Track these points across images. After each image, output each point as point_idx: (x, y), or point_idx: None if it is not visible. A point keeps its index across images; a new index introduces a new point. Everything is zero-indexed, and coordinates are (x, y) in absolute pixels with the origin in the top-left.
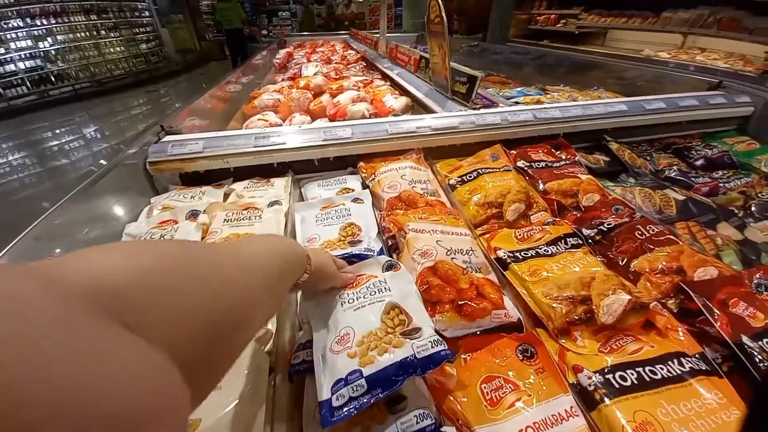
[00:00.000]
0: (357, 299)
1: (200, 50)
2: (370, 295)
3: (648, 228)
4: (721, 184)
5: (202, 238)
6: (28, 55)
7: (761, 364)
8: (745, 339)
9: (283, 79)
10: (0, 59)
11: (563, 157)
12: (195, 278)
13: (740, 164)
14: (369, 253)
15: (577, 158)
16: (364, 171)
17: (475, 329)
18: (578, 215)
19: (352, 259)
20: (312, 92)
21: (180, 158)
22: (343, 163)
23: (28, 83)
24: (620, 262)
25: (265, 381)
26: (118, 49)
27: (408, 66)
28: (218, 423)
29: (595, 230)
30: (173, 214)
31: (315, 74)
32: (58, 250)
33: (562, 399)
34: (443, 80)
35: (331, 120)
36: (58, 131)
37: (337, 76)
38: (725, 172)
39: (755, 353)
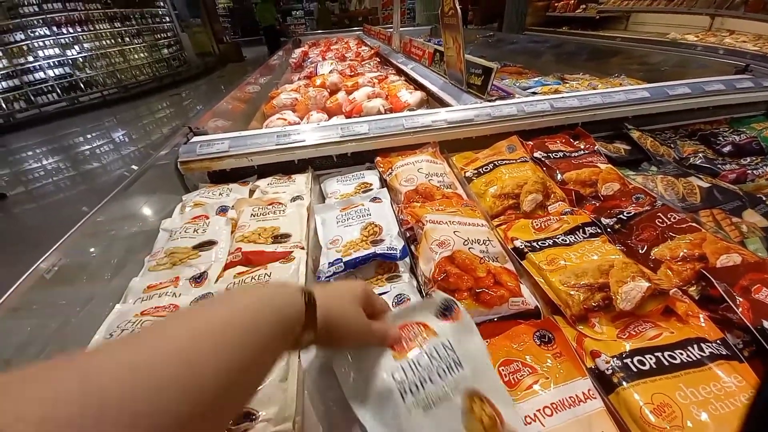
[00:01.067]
0: (420, 386)
1: (218, 53)
2: (438, 374)
3: (669, 216)
4: (750, 171)
5: (232, 232)
6: (56, 62)
7: None
8: (767, 324)
9: (299, 78)
10: (30, 67)
11: (582, 146)
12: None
13: None
14: (392, 251)
15: (596, 147)
16: (382, 165)
17: (493, 316)
18: (597, 205)
19: (376, 258)
20: (328, 90)
21: (209, 157)
22: (361, 159)
23: (58, 90)
24: (640, 251)
25: (295, 362)
26: (141, 55)
27: (422, 60)
28: (257, 396)
29: (615, 219)
30: (204, 210)
31: (330, 72)
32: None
33: (579, 382)
34: (458, 73)
35: (348, 117)
36: (89, 136)
37: (352, 73)
38: (753, 158)
39: None
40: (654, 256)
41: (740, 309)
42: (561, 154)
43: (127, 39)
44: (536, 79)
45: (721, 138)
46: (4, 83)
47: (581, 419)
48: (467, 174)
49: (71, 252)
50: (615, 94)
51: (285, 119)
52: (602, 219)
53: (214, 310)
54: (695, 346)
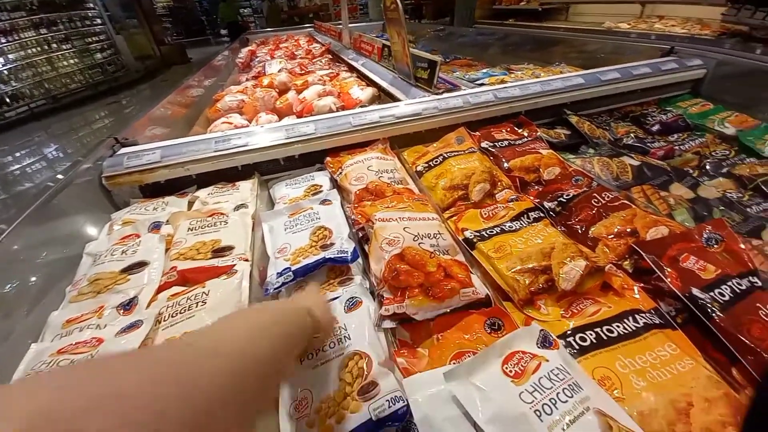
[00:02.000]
0: (553, 406)
1: (160, 56)
2: (565, 394)
3: (603, 195)
4: (677, 147)
5: (167, 250)
6: None
7: (713, 314)
8: (695, 291)
9: (247, 79)
10: None
11: (525, 134)
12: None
13: (695, 126)
14: (342, 255)
15: (538, 134)
16: (331, 166)
17: (445, 309)
18: (540, 189)
19: (326, 263)
20: (277, 90)
21: (138, 170)
22: (310, 160)
23: None
24: (579, 230)
25: None
26: (71, 61)
27: (372, 55)
28: None
29: (556, 202)
30: (135, 228)
31: (279, 71)
32: (12, 278)
33: None
34: (405, 67)
35: (299, 117)
36: (18, 154)
37: (302, 72)
38: (680, 134)
39: (706, 303)
40: (592, 235)
41: (669, 279)
42: (506, 142)
43: (55, 45)
44: (484, 70)
45: (650, 118)
46: None
47: None
48: (418, 168)
49: None
50: (553, 81)
51: (231, 123)
52: (545, 203)
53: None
54: (630, 318)
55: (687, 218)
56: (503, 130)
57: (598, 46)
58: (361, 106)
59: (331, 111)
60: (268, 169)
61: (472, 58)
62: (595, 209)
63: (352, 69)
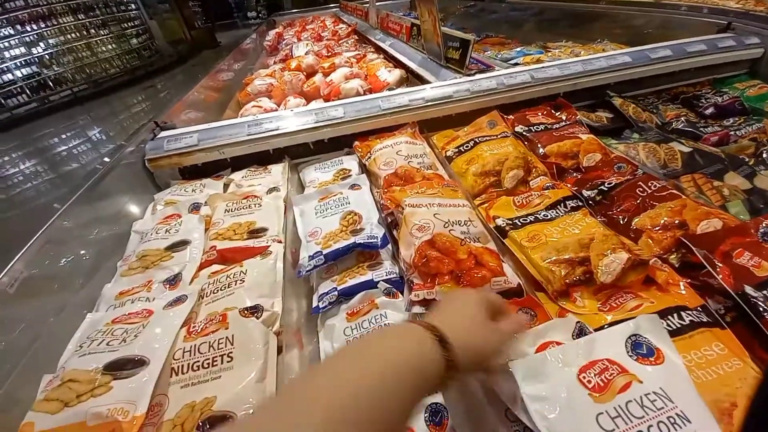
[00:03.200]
0: None
1: (191, 40)
2: (659, 429)
3: (650, 184)
4: (732, 132)
5: (206, 230)
6: (23, 62)
7: (765, 313)
8: (748, 289)
9: (275, 62)
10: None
11: (563, 117)
12: None
13: (752, 109)
14: (372, 240)
15: (577, 118)
16: (360, 150)
17: None
18: (579, 177)
19: (356, 248)
20: (305, 73)
21: (177, 153)
22: (339, 144)
23: (27, 91)
24: (621, 221)
25: (274, 358)
26: (109, 47)
27: (400, 35)
28: (233, 398)
29: (596, 191)
30: (176, 209)
31: (306, 54)
32: (65, 254)
33: None
34: (436, 47)
35: (326, 100)
36: (63, 136)
37: (329, 54)
38: (736, 119)
39: (759, 302)
40: (635, 226)
41: (720, 275)
42: (542, 126)
43: (93, 31)
44: (518, 49)
45: (703, 100)
46: None
47: None
48: (448, 153)
49: (37, 261)
50: (596, 60)
51: (261, 107)
52: (583, 191)
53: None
54: (675, 315)
55: (741, 210)
56: (539, 114)
57: (644, 21)
58: (389, 89)
59: (358, 94)
60: (298, 153)
61: (504, 36)
62: (640, 199)
63: (379, 50)
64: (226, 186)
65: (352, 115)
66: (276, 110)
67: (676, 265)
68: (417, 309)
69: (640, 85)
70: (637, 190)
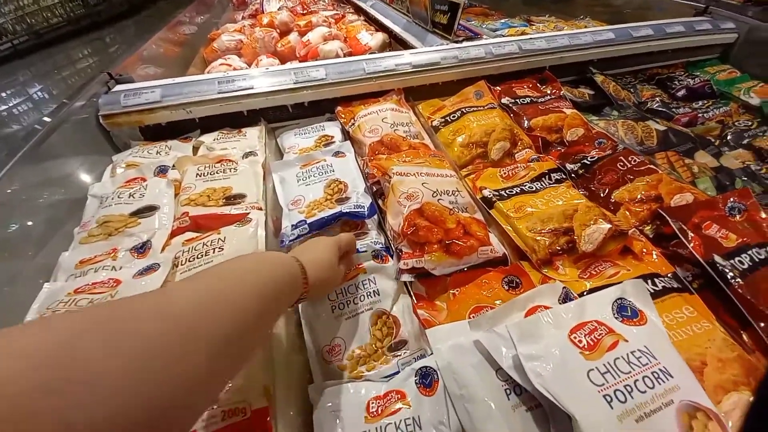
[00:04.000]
0: (627, 394)
1: None
2: (645, 383)
3: (629, 159)
4: (700, 114)
5: (175, 195)
6: None
7: (732, 280)
8: (716, 258)
9: (243, 17)
10: None
11: (548, 92)
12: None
13: (720, 93)
14: (359, 209)
15: (562, 92)
16: (343, 116)
17: (463, 266)
18: (562, 150)
19: (342, 217)
20: (277, 31)
21: (137, 109)
22: (320, 109)
23: None
24: (602, 194)
25: None
26: None
27: None
28: None
29: (579, 164)
30: (140, 172)
31: (279, 9)
32: (12, 220)
33: None
34: (422, 11)
35: (302, 62)
36: (3, 94)
37: (305, 11)
38: (705, 102)
39: (726, 270)
40: (614, 199)
41: (692, 244)
42: (528, 99)
43: None
44: (503, 20)
45: (676, 82)
46: None
47: None
48: (434, 123)
49: None
50: (582, 35)
51: (230, 65)
52: (567, 165)
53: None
54: (649, 281)
55: (709, 187)
56: (525, 86)
57: (625, 1)
58: (371, 53)
59: (338, 57)
60: (275, 117)
61: (488, 6)
62: (620, 173)
63: (359, 11)
64: (195, 149)
65: (335, 77)
66: (247, 69)
67: (650, 236)
68: (406, 277)
69: (620, 64)
70: (617, 165)
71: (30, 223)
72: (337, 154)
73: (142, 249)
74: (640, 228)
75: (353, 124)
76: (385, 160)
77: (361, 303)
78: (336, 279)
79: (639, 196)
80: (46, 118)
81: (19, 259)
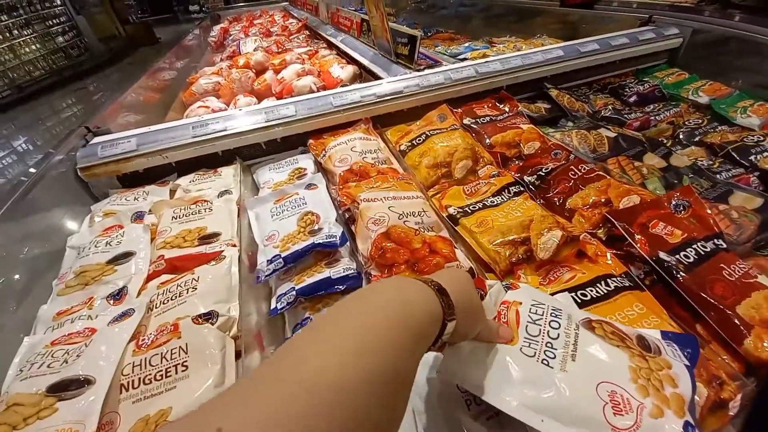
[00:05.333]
0: (551, 348)
1: (126, 36)
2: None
3: (580, 167)
4: (652, 117)
5: (152, 239)
6: None
7: (678, 275)
8: (662, 255)
9: (221, 59)
10: None
11: (506, 109)
12: None
13: (670, 96)
14: (331, 239)
15: (519, 109)
16: (315, 148)
17: None
18: (521, 164)
19: (316, 248)
20: (254, 70)
21: (114, 159)
22: (293, 143)
23: None
24: (558, 202)
25: (233, 362)
26: (33, 47)
27: (351, 31)
28: (191, 405)
29: (535, 176)
30: (117, 219)
31: (255, 50)
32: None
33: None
34: (386, 43)
35: (279, 98)
36: None
37: (279, 50)
38: (656, 105)
39: (672, 265)
40: (568, 206)
41: (638, 244)
42: (488, 118)
43: (16, 32)
44: (466, 44)
45: (627, 89)
46: None
47: None
48: (401, 147)
49: None
50: (533, 55)
51: (208, 107)
52: (525, 177)
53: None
54: (603, 282)
55: (658, 186)
56: (485, 106)
57: (578, 17)
58: (343, 85)
59: (311, 91)
60: (250, 154)
61: (454, 31)
62: (572, 181)
63: (331, 46)
64: (172, 192)
65: (304, 113)
66: (225, 110)
67: (604, 239)
68: None
69: (573, 77)
70: (569, 174)
71: (12, 277)
72: (309, 186)
73: (118, 296)
74: (594, 232)
75: (324, 155)
76: (354, 187)
77: (559, 330)
78: (482, 307)
79: (591, 201)
80: (31, 170)
81: (2, 312)
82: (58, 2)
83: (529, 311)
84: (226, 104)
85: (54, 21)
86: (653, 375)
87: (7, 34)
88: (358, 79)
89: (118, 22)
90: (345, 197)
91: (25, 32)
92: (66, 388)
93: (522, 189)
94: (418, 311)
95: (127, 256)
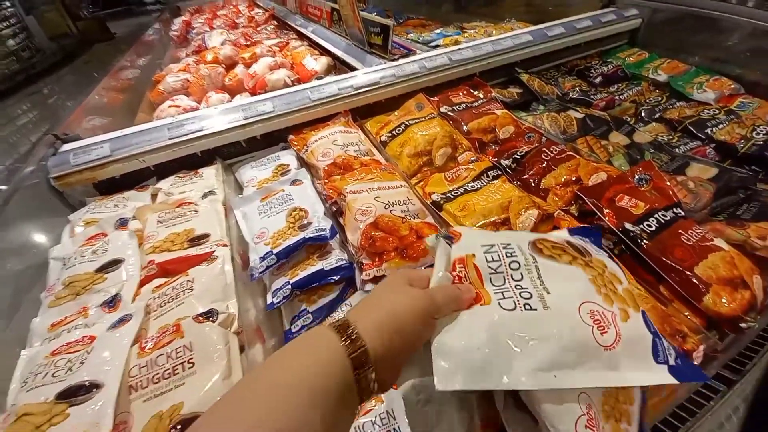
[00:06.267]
0: (516, 288)
1: (78, 33)
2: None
3: (551, 149)
4: (616, 97)
5: (139, 245)
6: None
7: (642, 242)
8: (627, 225)
9: (186, 55)
10: None
11: (480, 96)
12: None
13: (632, 75)
14: (321, 233)
15: (492, 95)
16: (296, 143)
17: (421, 267)
18: (497, 149)
19: (307, 243)
20: (223, 65)
21: (88, 167)
22: (273, 139)
23: None
24: (532, 183)
25: (237, 358)
26: None
27: (321, 20)
28: (202, 399)
29: (511, 159)
30: (100, 228)
31: (222, 44)
32: None
33: None
34: (358, 33)
35: (252, 93)
36: None
37: (248, 42)
38: (620, 85)
39: (636, 234)
40: (543, 186)
41: (606, 218)
42: (464, 105)
43: None
44: (438, 31)
45: (593, 71)
46: None
47: None
48: (382, 138)
49: None
50: (504, 40)
51: (179, 106)
52: (501, 161)
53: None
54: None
55: (623, 163)
56: (460, 93)
57: None
58: (317, 78)
59: (286, 85)
60: (230, 153)
61: (425, 17)
62: (545, 162)
63: (301, 36)
64: (153, 196)
65: (282, 108)
66: (197, 108)
67: (576, 214)
68: (369, 287)
69: (542, 61)
70: (542, 155)
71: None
72: (294, 182)
73: (112, 303)
74: (566, 209)
75: (306, 150)
76: (339, 180)
77: (518, 261)
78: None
79: (563, 181)
80: (2, 186)
81: None
82: (8, 3)
83: (486, 260)
84: (198, 102)
85: (4, 24)
86: (605, 279)
87: None
88: (332, 71)
89: (69, 19)
90: (331, 191)
91: None
92: (75, 393)
93: (499, 173)
94: (316, 385)
95: (115, 263)
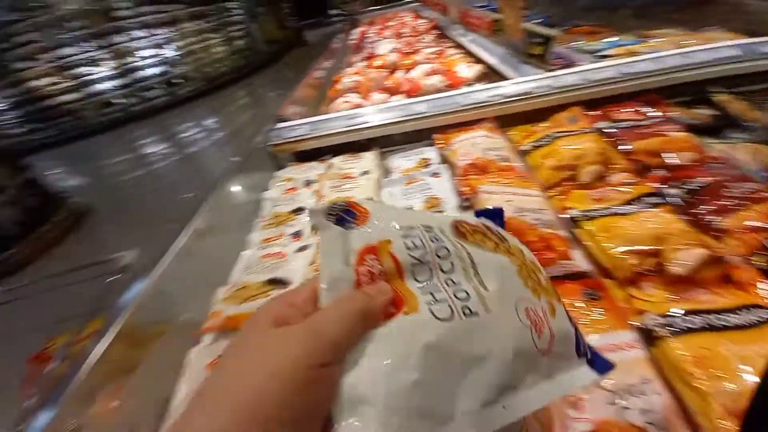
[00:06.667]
0: (448, 286)
1: (283, 39)
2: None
3: (743, 185)
4: None
5: (318, 201)
6: (156, 62)
7: None
8: None
9: (360, 60)
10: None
11: (653, 114)
12: None
13: None
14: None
15: (670, 115)
16: (440, 142)
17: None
18: (665, 174)
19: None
20: (387, 70)
21: (294, 140)
22: (421, 136)
23: (164, 86)
24: (706, 220)
25: None
26: (220, 48)
27: (481, 30)
28: None
29: (681, 189)
30: (294, 184)
31: (390, 52)
32: (224, 214)
33: (622, 333)
34: (518, 43)
35: (408, 96)
36: (188, 125)
37: (410, 50)
38: None
39: None
40: (719, 226)
41: None
42: (628, 123)
43: (208, 35)
44: (609, 39)
45: None
46: (116, 81)
47: (621, 365)
48: (524, 148)
49: (210, 217)
50: (696, 53)
51: (349, 101)
52: (668, 189)
53: None
54: (747, 310)
55: None
56: (626, 110)
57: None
58: (468, 84)
59: (437, 90)
60: (385, 143)
61: (596, 24)
62: (731, 199)
63: (458, 45)
64: (329, 167)
65: (434, 110)
66: (361, 104)
67: (764, 268)
68: None
69: (751, 80)
70: (728, 190)
71: (233, 216)
72: (434, 174)
73: (297, 235)
74: (748, 258)
75: (449, 148)
76: (475, 179)
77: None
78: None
79: (748, 224)
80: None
81: (229, 236)
82: (239, 12)
83: (407, 247)
84: (364, 99)
85: (234, 27)
86: (528, 269)
87: (201, 36)
88: (484, 79)
89: (280, 28)
90: (467, 187)
91: (213, 36)
92: (275, 282)
93: (662, 201)
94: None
95: (301, 210)
